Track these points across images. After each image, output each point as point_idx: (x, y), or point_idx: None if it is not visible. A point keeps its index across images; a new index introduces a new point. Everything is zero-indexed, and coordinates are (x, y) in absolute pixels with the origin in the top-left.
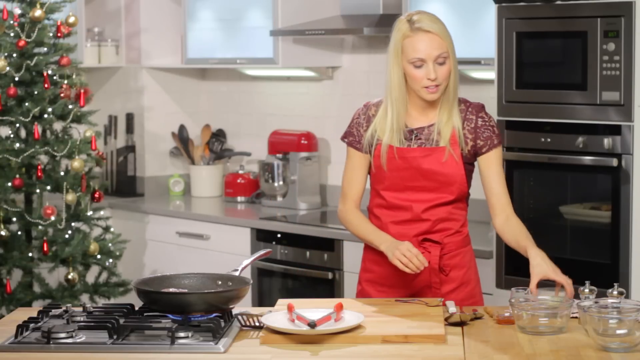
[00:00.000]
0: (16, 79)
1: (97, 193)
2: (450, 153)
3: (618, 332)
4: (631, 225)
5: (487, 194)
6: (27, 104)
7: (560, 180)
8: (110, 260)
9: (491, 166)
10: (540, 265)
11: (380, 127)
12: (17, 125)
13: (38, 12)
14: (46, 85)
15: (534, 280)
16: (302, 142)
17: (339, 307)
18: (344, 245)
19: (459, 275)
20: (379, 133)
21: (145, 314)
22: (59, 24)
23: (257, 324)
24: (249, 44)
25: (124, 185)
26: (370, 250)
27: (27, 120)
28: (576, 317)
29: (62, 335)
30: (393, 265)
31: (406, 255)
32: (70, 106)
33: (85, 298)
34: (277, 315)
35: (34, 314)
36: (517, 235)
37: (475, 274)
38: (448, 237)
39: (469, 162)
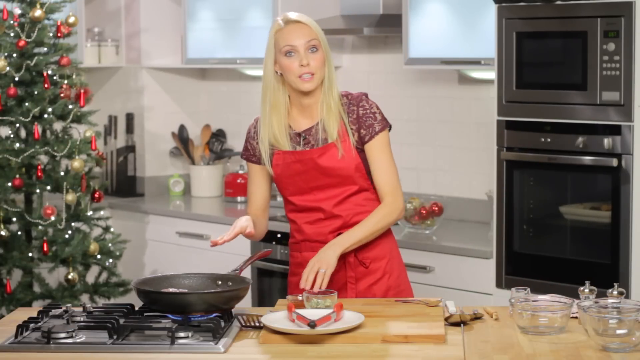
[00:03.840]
0: (16, 79)
1: (97, 193)
2: (342, 146)
3: (618, 332)
4: (631, 225)
5: (374, 181)
6: (27, 104)
7: (560, 180)
8: (110, 260)
9: (374, 153)
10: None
11: (267, 135)
12: (17, 125)
13: (38, 12)
14: (46, 85)
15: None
16: None
17: (339, 307)
18: None
19: (380, 266)
20: (270, 142)
21: (145, 314)
22: (59, 24)
23: (257, 324)
24: (249, 44)
25: (124, 185)
26: (295, 254)
27: (27, 120)
28: (576, 317)
29: (62, 335)
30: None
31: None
32: (70, 106)
33: (85, 298)
34: (277, 315)
35: (34, 314)
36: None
37: (398, 263)
38: None
39: (362, 150)
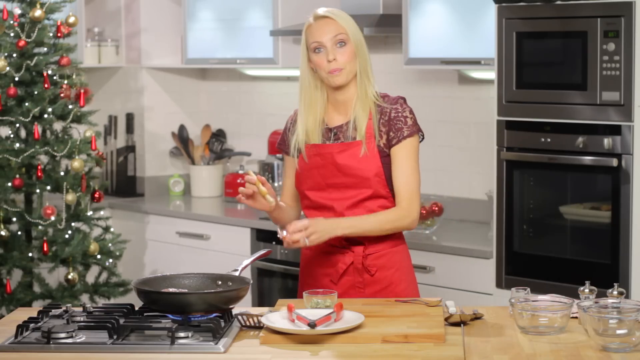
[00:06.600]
0: (16, 79)
1: (97, 193)
2: (366, 147)
3: (618, 332)
4: (631, 225)
5: (394, 186)
6: (27, 104)
7: (560, 180)
8: (110, 260)
9: (398, 158)
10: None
11: (300, 128)
12: (17, 125)
13: (38, 12)
14: (46, 85)
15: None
16: None
17: (339, 307)
18: None
19: (385, 275)
20: (301, 134)
21: (145, 314)
22: (59, 24)
23: (257, 324)
24: (249, 44)
25: (124, 185)
26: (305, 251)
27: (27, 120)
28: (576, 317)
29: (62, 335)
30: (321, 267)
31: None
32: (70, 106)
33: (85, 298)
34: (277, 315)
35: (34, 314)
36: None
37: (407, 274)
38: (374, 237)
39: (387, 155)
